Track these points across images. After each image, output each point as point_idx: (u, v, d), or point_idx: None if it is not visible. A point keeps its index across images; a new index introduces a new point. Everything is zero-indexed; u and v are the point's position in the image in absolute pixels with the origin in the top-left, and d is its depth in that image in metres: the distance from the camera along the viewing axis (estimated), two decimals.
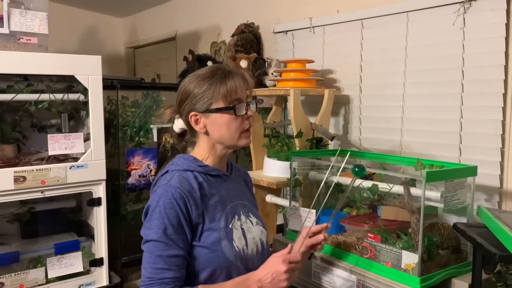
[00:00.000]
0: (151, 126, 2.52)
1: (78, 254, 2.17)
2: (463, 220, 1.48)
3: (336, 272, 1.52)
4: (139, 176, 2.48)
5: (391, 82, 2.06)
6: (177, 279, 1.15)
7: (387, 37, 2.07)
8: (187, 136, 1.33)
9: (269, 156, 2.17)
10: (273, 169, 2.12)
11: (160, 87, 2.81)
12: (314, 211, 1.49)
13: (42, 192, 2.01)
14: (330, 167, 1.41)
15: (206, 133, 1.26)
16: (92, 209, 2.19)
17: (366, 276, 1.43)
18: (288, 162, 1.96)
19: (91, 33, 4.48)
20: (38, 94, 2.05)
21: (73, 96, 2.12)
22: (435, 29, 1.88)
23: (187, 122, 1.27)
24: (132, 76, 4.56)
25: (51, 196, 2.09)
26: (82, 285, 2.17)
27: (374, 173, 1.70)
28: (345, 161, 1.42)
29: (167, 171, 1.25)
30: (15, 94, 2.02)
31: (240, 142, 1.27)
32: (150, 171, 2.51)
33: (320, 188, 1.41)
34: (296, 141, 2.03)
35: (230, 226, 1.24)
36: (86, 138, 2.13)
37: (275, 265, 1.18)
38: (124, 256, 2.45)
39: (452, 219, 1.50)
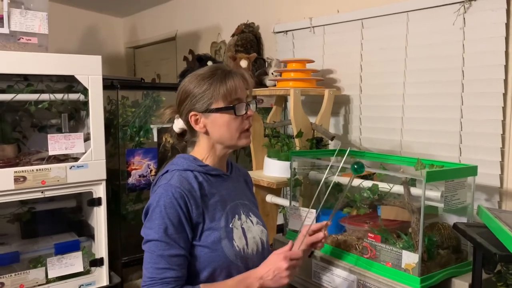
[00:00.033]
0: (151, 126, 2.52)
1: (78, 254, 2.17)
2: (463, 220, 1.48)
3: (336, 272, 1.52)
4: (139, 176, 2.48)
5: (391, 82, 2.06)
6: (179, 279, 1.15)
7: (387, 37, 2.07)
8: (187, 136, 1.33)
9: (269, 156, 2.17)
10: (273, 169, 2.12)
11: (160, 87, 2.81)
12: (314, 210, 1.48)
13: (42, 192, 2.01)
14: (329, 167, 1.41)
15: (206, 133, 1.26)
16: (92, 209, 2.19)
17: (366, 276, 1.43)
18: (288, 162, 1.96)
19: (91, 33, 4.48)
20: (38, 94, 2.05)
21: (73, 96, 2.12)
22: (435, 29, 1.88)
23: (187, 122, 1.27)
24: (132, 76, 4.56)
25: (51, 196, 2.09)
26: (82, 285, 2.17)
27: (375, 173, 1.70)
28: (343, 160, 1.42)
29: (167, 171, 1.25)
30: (15, 94, 2.02)
31: (240, 142, 1.27)
32: (150, 171, 2.51)
33: (319, 187, 1.41)
34: (296, 141, 2.03)
35: (230, 226, 1.24)
36: (86, 138, 2.13)
37: (277, 262, 1.18)
38: (124, 256, 2.45)
39: (452, 219, 1.50)
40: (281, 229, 2.28)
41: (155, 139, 2.53)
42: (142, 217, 1.23)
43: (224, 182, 1.30)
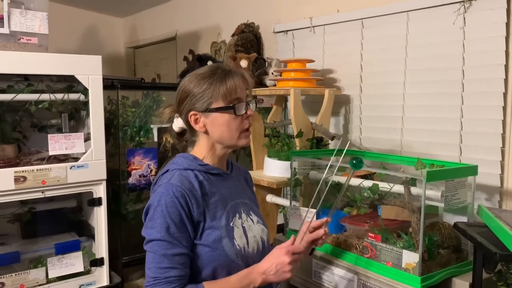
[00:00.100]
0: (152, 126, 2.52)
1: (79, 254, 2.17)
2: (464, 219, 1.48)
3: (337, 272, 1.52)
4: (140, 176, 2.48)
5: (391, 81, 2.06)
6: (182, 278, 1.15)
7: (387, 37, 2.07)
8: (187, 135, 1.33)
9: (269, 156, 2.17)
10: (274, 169, 2.12)
11: (160, 87, 2.81)
12: (314, 210, 1.48)
13: (42, 192, 2.01)
14: (327, 166, 1.41)
15: (206, 132, 1.26)
16: (92, 209, 2.19)
17: (366, 275, 1.43)
18: (289, 162, 1.96)
19: (91, 33, 4.48)
20: (39, 94, 2.05)
21: (73, 96, 2.13)
22: (435, 29, 1.88)
23: (187, 122, 1.27)
24: (132, 76, 4.56)
25: (52, 196, 2.09)
26: (83, 285, 2.17)
27: (375, 173, 1.70)
28: (340, 160, 1.42)
29: (167, 170, 1.25)
30: (16, 94, 2.02)
31: (240, 142, 1.27)
32: (151, 171, 2.51)
33: (319, 186, 1.41)
34: (297, 140, 2.03)
35: (231, 224, 1.24)
36: (87, 138, 2.13)
37: (279, 257, 1.19)
38: (125, 256, 2.45)
39: (453, 219, 1.50)
40: (281, 229, 2.28)
41: (155, 139, 2.53)
42: (142, 217, 1.23)
43: (224, 181, 1.30)
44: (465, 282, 1.34)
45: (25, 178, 1.94)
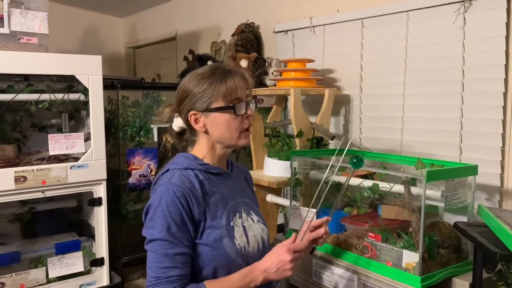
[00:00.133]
0: (152, 126, 2.52)
1: (79, 254, 2.17)
2: (464, 219, 1.48)
3: (337, 271, 1.52)
4: (140, 176, 2.48)
5: (391, 81, 2.06)
6: (184, 277, 1.15)
7: (387, 37, 2.06)
8: (187, 135, 1.33)
9: (269, 156, 2.17)
10: (274, 169, 2.12)
11: (160, 87, 2.81)
12: (314, 210, 1.48)
13: (42, 192, 2.01)
14: (329, 166, 1.40)
15: (206, 132, 1.26)
16: (92, 209, 2.19)
17: (366, 275, 1.43)
18: (289, 162, 1.96)
19: (91, 33, 4.48)
20: (39, 94, 2.05)
21: (73, 96, 2.13)
22: (435, 28, 1.88)
23: (187, 121, 1.27)
24: (132, 76, 4.56)
25: (52, 196, 2.09)
26: (83, 285, 2.17)
27: (375, 173, 1.70)
28: (341, 160, 1.42)
29: (167, 170, 1.25)
30: (16, 94, 2.02)
31: (240, 141, 1.27)
32: (151, 171, 2.51)
33: (319, 186, 1.41)
34: (297, 140, 2.03)
35: (231, 224, 1.24)
36: (87, 138, 2.13)
37: (280, 255, 1.19)
38: (125, 256, 2.45)
39: (453, 218, 1.50)
40: (281, 228, 2.28)
41: (156, 139, 2.53)
42: (142, 217, 1.23)
43: (224, 180, 1.30)
44: (465, 282, 1.34)
45: (25, 178, 1.94)
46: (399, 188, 1.51)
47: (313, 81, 2.19)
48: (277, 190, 2.16)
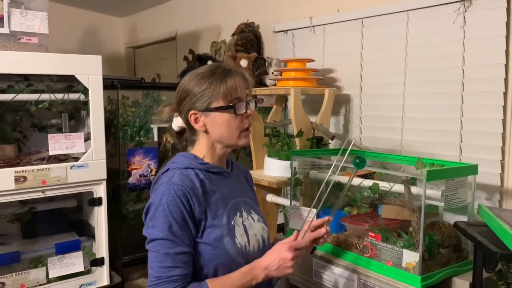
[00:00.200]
0: (152, 125, 2.52)
1: (79, 253, 2.17)
2: (464, 218, 1.48)
3: (337, 271, 1.52)
4: (140, 175, 2.48)
5: (391, 81, 2.06)
6: (185, 276, 1.15)
7: (387, 36, 2.06)
8: (187, 135, 1.33)
9: (269, 156, 2.17)
10: (274, 169, 2.12)
11: (160, 86, 2.81)
12: (314, 210, 1.48)
13: (42, 192, 2.01)
14: (332, 166, 1.40)
15: (206, 131, 1.26)
16: (92, 209, 2.19)
17: (367, 275, 1.43)
18: (289, 162, 1.96)
19: (91, 33, 4.48)
20: (39, 94, 2.06)
21: (73, 96, 2.13)
22: (435, 28, 1.88)
23: (187, 121, 1.27)
24: (132, 76, 4.56)
25: (52, 196, 2.09)
26: (83, 284, 2.17)
27: (375, 172, 1.70)
28: (344, 159, 1.41)
29: (167, 169, 1.25)
30: (16, 94, 2.02)
31: (240, 141, 1.27)
32: (151, 170, 2.51)
33: (321, 187, 1.41)
34: (297, 140, 2.03)
35: (232, 223, 1.24)
36: (87, 138, 2.13)
37: (281, 252, 1.19)
38: (125, 255, 2.45)
39: (453, 218, 1.50)
40: (281, 228, 2.28)
41: (156, 139, 2.53)
42: (142, 217, 1.22)
43: (225, 179, 1.30)
44: (465, 282, 1.34)
45: (25, 178, 1.94)
46: (399, 187, 1.51)
47: (313, 81, 2.19)
48: (277, 190, 2.16)
